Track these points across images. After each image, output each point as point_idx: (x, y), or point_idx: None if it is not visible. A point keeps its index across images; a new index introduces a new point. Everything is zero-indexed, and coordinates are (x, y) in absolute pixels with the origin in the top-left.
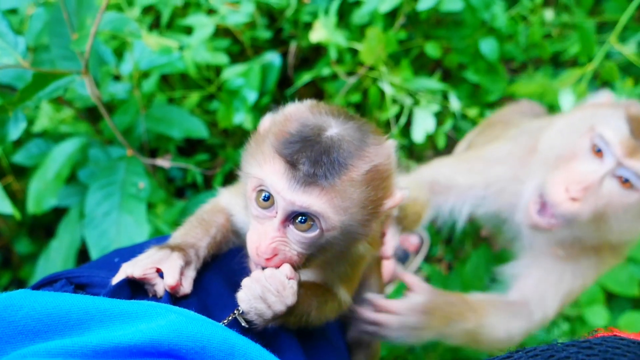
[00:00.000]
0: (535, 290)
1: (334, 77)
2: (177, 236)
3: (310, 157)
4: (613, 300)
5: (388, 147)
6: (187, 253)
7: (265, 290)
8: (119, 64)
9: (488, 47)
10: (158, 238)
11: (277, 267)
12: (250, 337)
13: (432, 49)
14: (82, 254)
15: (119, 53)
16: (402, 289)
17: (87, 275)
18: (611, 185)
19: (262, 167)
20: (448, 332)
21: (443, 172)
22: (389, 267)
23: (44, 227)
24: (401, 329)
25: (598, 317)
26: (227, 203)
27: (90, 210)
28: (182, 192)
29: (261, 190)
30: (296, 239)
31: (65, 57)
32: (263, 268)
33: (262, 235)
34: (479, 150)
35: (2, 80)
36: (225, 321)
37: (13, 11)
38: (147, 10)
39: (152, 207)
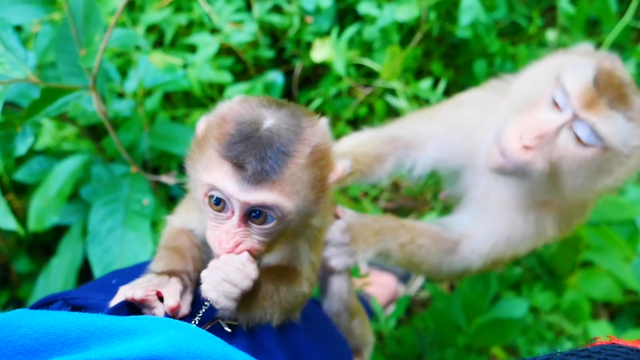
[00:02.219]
0: (471, 231)
1: (338, 94)
2: (161, 266)
3: (254, 154)
4: (617, 317)
5: (322, 126)
6: (183, 278)
7: (227, 272)
8: (123, 82)
9: (480, 67)
10: (147, 262)
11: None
12: (238, 344)
13: (437, 67)
14: (83, 273)
15: (123, 71)
16: (403, 307)
17: (85, 297)
18: (567, 138)
19: (210, 172)
20: (385, 247)
21: (406, 125)
22: (390, 285)
23: (43, 245)
24: (337, 252)
25: (602, 334)
26: (182, 223)
27: (94, 227)
28: None
29: (212, 195)
30: (257, 231)
31: (72, 74)
32: None
33: (223, 234)
34: (458, 97)
35: (7, 96)
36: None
37: (18, 28)
38: (151, 29)
39: (154, 226)
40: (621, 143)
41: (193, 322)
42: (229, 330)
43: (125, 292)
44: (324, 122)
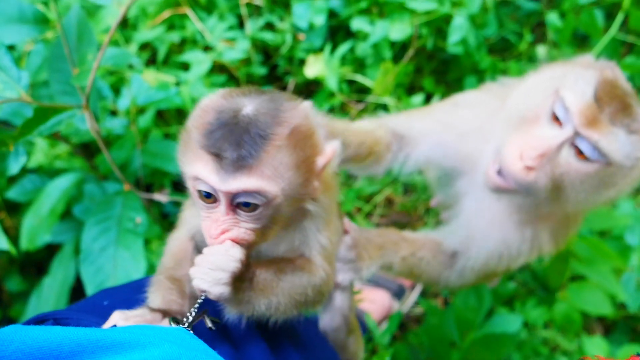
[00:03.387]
0: (464, 247)
1: (331, 110)
2: (158, 301)
3: (231, 141)
4: (611, 332)
5: (304, 108)
6: (177, 320)
7: (212, 260)
8: (116, 100)
9: (470, 83)
10: (144, 279)
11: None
12: (220, 340)
13: (428, 83)
14: (75, 292)
15: (116, 88)
16: (395, 323)
17: (76, 318)
18: (569, 154)
19: (194, 164)
20: (387, 261)
21: (400, 120)
22: (384, 301)
23: (35, 264)
24: (343, 268)
25: (597, 349)
26: (187, 230)
27: (87, 245)
28: None
29: (201, 190)
30: (246, 218)
31: (64, 92)
32: None
33: (214, 223)
34: (458, 96)
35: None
36: (191, 321)
37: (11, 47)
38: (144, 46)
39: (147, 243)
40: (624, 157)
41: (185, 318)
42: (212, 327)
43: (117, 320)
44: (306, 104)
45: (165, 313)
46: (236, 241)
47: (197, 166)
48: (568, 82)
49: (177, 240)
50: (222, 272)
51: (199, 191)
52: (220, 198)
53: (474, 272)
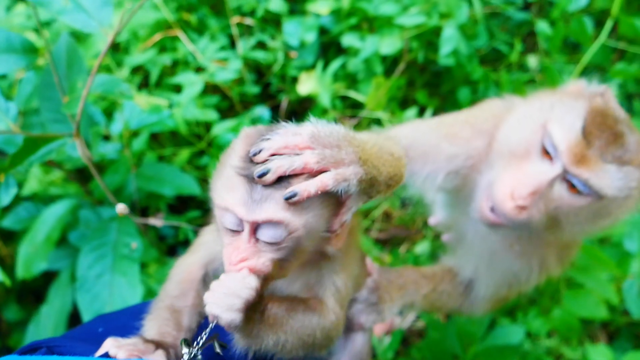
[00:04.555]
0: (475, 276)
1: None
2: (153, 332)
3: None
4: (615, 339)
5: None
6: (169, 352)
7: (227, 286)
8: (109, 124)
9: (463, 95)
10: (140, 305)
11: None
12: None
13: (421, 96)
14: (73, 318)
15: (109, 112)
16: (397, 340)
17: (69, 345)
18: (561, 189)
19: (222, 192)
20: (409, 300)
21: (424, 136)
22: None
23: (33, 292)
24: (366, 310)
25: (601, 357)
26: (208, 252)
27: (82, 273)
28: (174, 250)
29: (227, 219)
30: (266, 248)
31: (55, 120)
32: None
33: (235, 249)
34: (468, 113)
35: None
36: (201, 344)
37: (2, 76)
38: (136, 70)
39: (144, 267)
40: (617, 191)
41: (195, 343)
42: (220, 352)
43: (109, 348)
44: None
45: (158, 345)
46: (254, 271)
47: (224, 193)
48: (556, 116)
49: (187, 266)
50: (236, 299)
51: (225, 216)
52: (245, 225)
53: (486, 301)
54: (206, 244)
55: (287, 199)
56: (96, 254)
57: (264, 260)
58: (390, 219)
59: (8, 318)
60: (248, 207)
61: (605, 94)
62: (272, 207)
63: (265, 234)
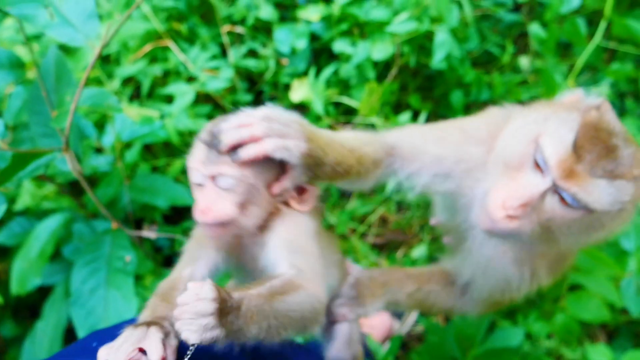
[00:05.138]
0: (470, 279)
1: None
2: (144, 317)
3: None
4: (615, 338)
5: None
6: (163, 325)
7: (190, 309)
8: (100, 137)
9: (456, 98)
10: (129, 321)
11: (216, 220)
12: None
13: (414, 100)
14: (70, 333)
15: (101, 125)
16: (396, 345)
17: None
18: (553, 201)
19: (191, 157)
20: (392, 298)
21: (411, 139)
22: (384, 322)
23: (28, 307)
24: (348, 304)
25: (601, 356)
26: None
27: (76, 288)
28: (170, 260)
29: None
30: (225, 192)
31: (45, 135)
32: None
33: (202, 197)
34: (461, 121)
35: None
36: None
37: None
38: (127, 81)
39: (140, 279)
40: (607, 205)
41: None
42: None
43: (104, 357)
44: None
45: (149, 324)
46: (222, 219)
47: (192, 158)
48: (549, 129)
49: (176, 272)
50: (204, 318)
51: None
52: (206, 180)
53: (479, 303)
54: (189, 250)
55: (233, 158)
56: (90, 268)
57: (228, 203)
58: (386, 224)
59: (4, 334)
60: (205, 165)
61: (601, 107)
62: (222, 164)
63: (221, 182)
